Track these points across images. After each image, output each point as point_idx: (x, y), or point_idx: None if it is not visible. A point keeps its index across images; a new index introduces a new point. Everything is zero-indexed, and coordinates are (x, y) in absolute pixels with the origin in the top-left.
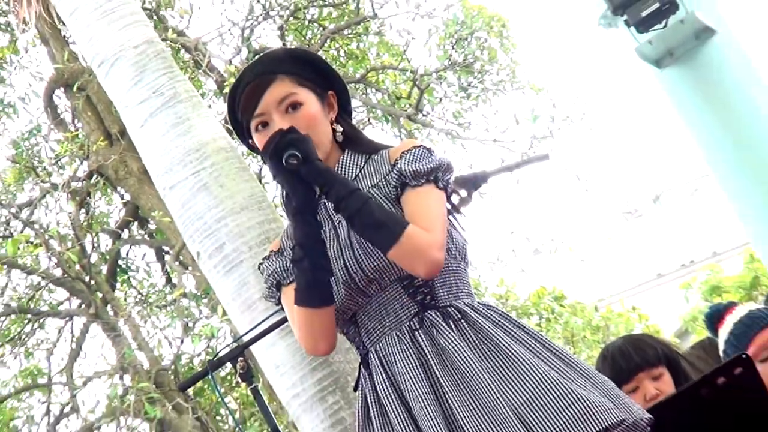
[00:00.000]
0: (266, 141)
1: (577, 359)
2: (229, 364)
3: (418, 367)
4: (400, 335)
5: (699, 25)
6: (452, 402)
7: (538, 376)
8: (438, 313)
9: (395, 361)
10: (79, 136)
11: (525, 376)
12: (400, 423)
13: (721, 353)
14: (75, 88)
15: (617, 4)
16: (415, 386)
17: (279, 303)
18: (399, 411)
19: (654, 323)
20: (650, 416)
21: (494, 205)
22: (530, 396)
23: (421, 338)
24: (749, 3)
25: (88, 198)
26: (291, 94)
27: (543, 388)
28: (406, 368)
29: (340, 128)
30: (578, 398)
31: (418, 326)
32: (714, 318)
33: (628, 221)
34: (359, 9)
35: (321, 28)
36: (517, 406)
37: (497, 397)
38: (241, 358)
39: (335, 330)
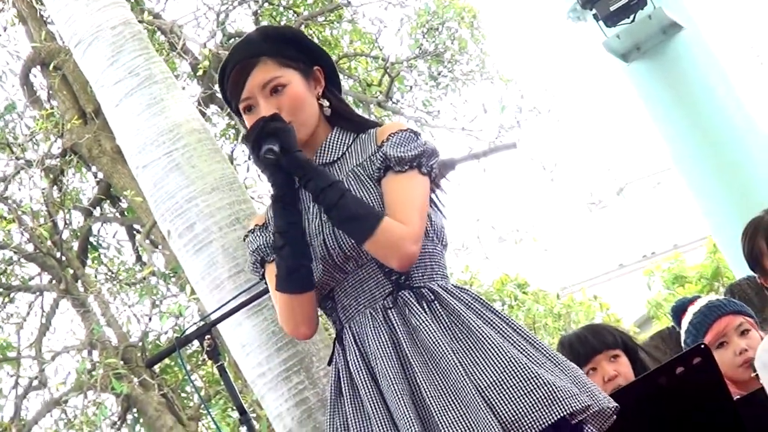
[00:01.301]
0: (248, 129)
1: (546, 345)
2: (196, 342)
3: (389, 345)
4: (374, 313)
5: (666, 21)
6: (420, 381)
7: (506, 359)
8: (412, 294)
9: (367, 338)
10: (54, 115)
11: (494, 358)
12: (370, 399)
13: (682, 344)
14: (51, 67)
15: None
16: (385, 364)
17: (263, 278)
18: (369, 387)
19: (614, 312)
20: (616, 404)
21: (461, 192)
22: (497, 378)
23: (394, 317)
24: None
25: (61, 175)
26: (274, 77)
27: (510, 371)
28: (377, 346)
29: (326, 103)
30: (545, 382)
31: (391, 305)
32: (679, 310)
33: (591, 212)
34: None
35: (295, 14)
36: (483, 388)
37: (464, 378)
38: (208, 336)
39: (316, 314)
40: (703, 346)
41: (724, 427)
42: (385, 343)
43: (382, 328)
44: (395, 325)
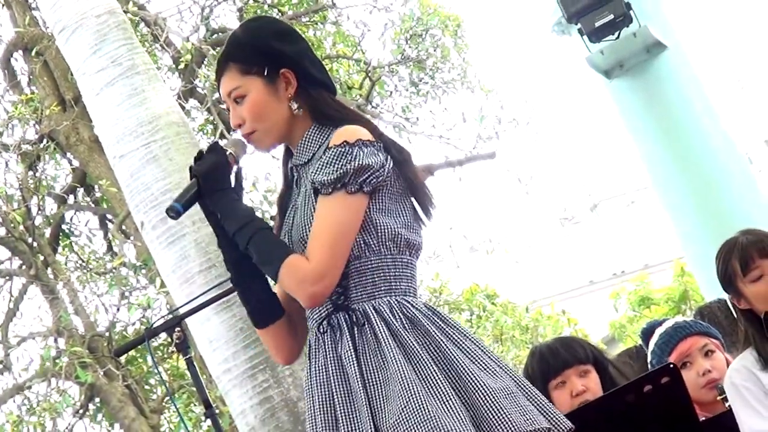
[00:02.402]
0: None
1: (472, 367)
2: (162, 336)
3: (321, 369)
4: (317, 335)
5: (650, 40)
6: (339, 412)
7: (406, 398)
8: (346, 317)
9: (310, 358)
10: (33, 100)
11: (397, 398)
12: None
13: (648, 364)
14: (33, 53)
15: (572, 12)
16: (316, 387)
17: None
18: (308, 403)
19: (582, 328)
20: (572, 426)
21: (435, 200)
22: (396, 419)
23: (325, 343)
24: (700, 22)
25: (37, 161)
26: (235, 88)
27: (407, 411)
28: (312, 369)
29: (295, 105)
30: (435, 426)
31: (325, 330)
32: (648, 333)
33: (564, 227)
34: None
35: (279, 13)
36: (382, 429)
37: (368, 418)
38: (178, 329)
39: (292, 341)
40: (671, 366)
41: None
42: (320, 370)
43: (320, 354)
44: (325, 351)
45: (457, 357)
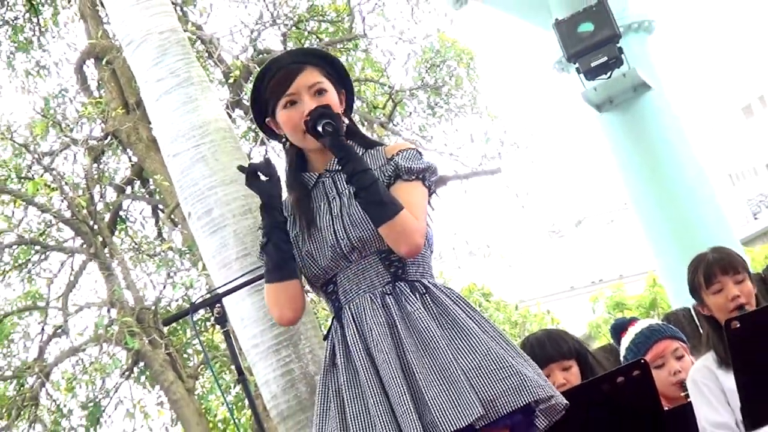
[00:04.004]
0: (309, 111)
1: (514, 343)
2: (201, 312)
3: (385, 325)
4: (373, 297)
5: (638, 80)
6: (411, 358)
7: (485, 349)
8: (407, 285)
9: (366, 318)
10: (101, 103)
11: (475, 347)
12: (364, 370)
13: (621, 359)
14: (104, 62)
15: (571, 53)
16: (380, 341)
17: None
18: (364, 359)
19: (563, 327)
20: (567, 402)
21: (442, 208)
22: (478, 363)
23: (391, 302)
24: (681, 68)
25: (101, 155)
26: (319, 81)
27: (489, 359)
28: (374, 324)
29: (346, 120)
30: (517, 372)
31: (389, 292)
32: (618, 329)
33: (552, 239)
34: (352, 28)
35: (318, 39)
36: (467, 370)
37: (451, 361)
38: (218, 305)
39: (301, 301)
40: (643, 361)
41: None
42: (381, 323)
43: (380, 311)
44: (392, 309)
45: (498, 329)
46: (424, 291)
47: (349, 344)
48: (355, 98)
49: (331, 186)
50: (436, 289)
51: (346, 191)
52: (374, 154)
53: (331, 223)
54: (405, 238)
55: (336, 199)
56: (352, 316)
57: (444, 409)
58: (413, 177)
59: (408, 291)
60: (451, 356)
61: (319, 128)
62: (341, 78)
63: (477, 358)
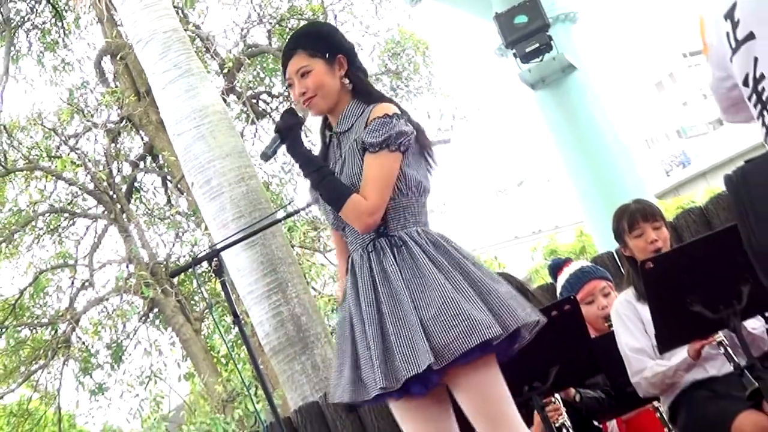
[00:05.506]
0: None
1: (482, 272)
2: (205, 265)
3: (369, 279)
4: (362, 253)
5: (565, 63)
6: (384, 308)
7: (442, 299)
8: (387, 241)
9: (356, 271)
10: (116, 92)
11: (434, 298)
12: (349, 316)
13: (558, 294)
14: (118, 57)
15: (509, 41)
16: (365, 295)
17: None
18: (352, 307)
19: (508, 270)
20: (537, 319)
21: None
22: (434, 314)
23: (373, 259)
24: (603, 51)
25: (118, 136)
26: (303, 65)
27: (444, 308)
28: (362, 278)
29: (347, 80)
30: (468, 317)
31: (372, 250)
32: (555, 267)
33: (498, 197)
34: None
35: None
36: (425, 321)
37: (412, 312)
38: (215, 259)
39: None
40: (572, 297)
41: (583, 357)
42: (367, 277)
43: (366, 267)
44: (373, 265)
45: (472, 269)
46: (401, 244)
47: (348, 291)
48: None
49: (336, 147)
50: (411, 240)
51: (344, 155)
52: (359, 122)
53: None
54: (355, 222)
55: (338, 162)
56: (352, 266)
57: (405, 358)
58: (376, 149)
59: (387, 247)
60: (412, 308)
61: (270, 152)
62: (331, 46)
63: (434, 308)
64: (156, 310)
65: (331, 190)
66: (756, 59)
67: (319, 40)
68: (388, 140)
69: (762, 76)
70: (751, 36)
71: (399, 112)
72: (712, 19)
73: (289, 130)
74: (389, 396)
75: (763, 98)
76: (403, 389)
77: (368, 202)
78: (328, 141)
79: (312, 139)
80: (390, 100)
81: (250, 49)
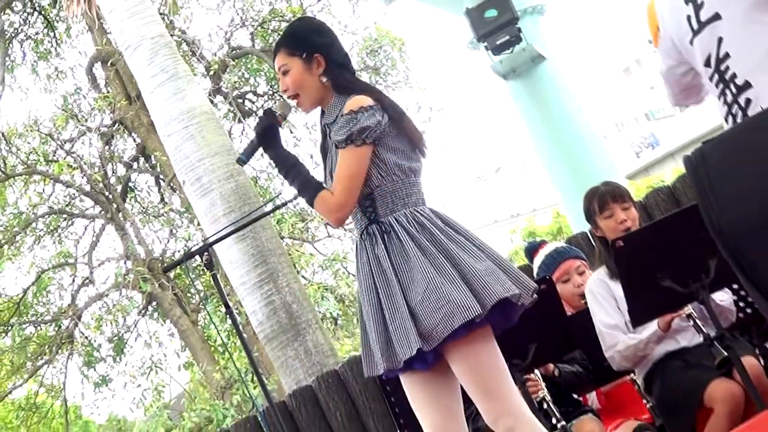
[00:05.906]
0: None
1: (464, 255)
2: (198, 258)
3: (366, 265)
4: (360, 239)
5: (535, 53)
6: (381, 295)
7: (425, 284)
8: (377, 227)
9: (356, 257)
10: (108, 97)
11: (420, 283)
12: (361, 294)
13: (534, 275)
14: (108, 64)
15: (480, 34)
16: (363, 279)
17: None
18: (358, 286)
19: None
20: (536, 286)
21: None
22: (420, 299)
23: (366, 246)
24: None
25: (111, 139)
26: (283, 65)
27: (428, 292)
28: (361, 263)
29: (324, 79)
30: (450, 300)
31: (365, 237)
32: (531, 250)
33: (477, 183)
34: None
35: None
36: (413, 306)
37: (401, 298)
38: (206, 253)
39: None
40: (548, 277)
41: (560, 333)
42: (364, 262)
43: (362, 252)
44: (367, 251)
45: (453, 249)
46: (389, 230)
47: (356, 273)
48: (347, 61)
49: (329, 138)
50: (398, 225)
51: (331, 148)
52: (337, 117)
53: (330, 168)
54: (325, 216)
55: (330, 153)
56: (355, 250)
57: (400, 341)
58: (343, 145)
59: (378, 234)
60: (401, 295)
61: (245, 158)
62: (308, 46)
63: (420, 293)
64: (154, 303)
65: (302, 187)
66: (720, 39)
67: (296, 41)
68: (351, 136)
69: (727, 55)
70: (716, 17)
71: (369, 104)
72: (666, 6)
73: (265, 133)
74: (397, 371)
75: (726, 77)
76: (407, 366)
77: (334, 198)
78: (327, 132)
79: (296, 134)
80: (371, 91)
81: (234, 51)
